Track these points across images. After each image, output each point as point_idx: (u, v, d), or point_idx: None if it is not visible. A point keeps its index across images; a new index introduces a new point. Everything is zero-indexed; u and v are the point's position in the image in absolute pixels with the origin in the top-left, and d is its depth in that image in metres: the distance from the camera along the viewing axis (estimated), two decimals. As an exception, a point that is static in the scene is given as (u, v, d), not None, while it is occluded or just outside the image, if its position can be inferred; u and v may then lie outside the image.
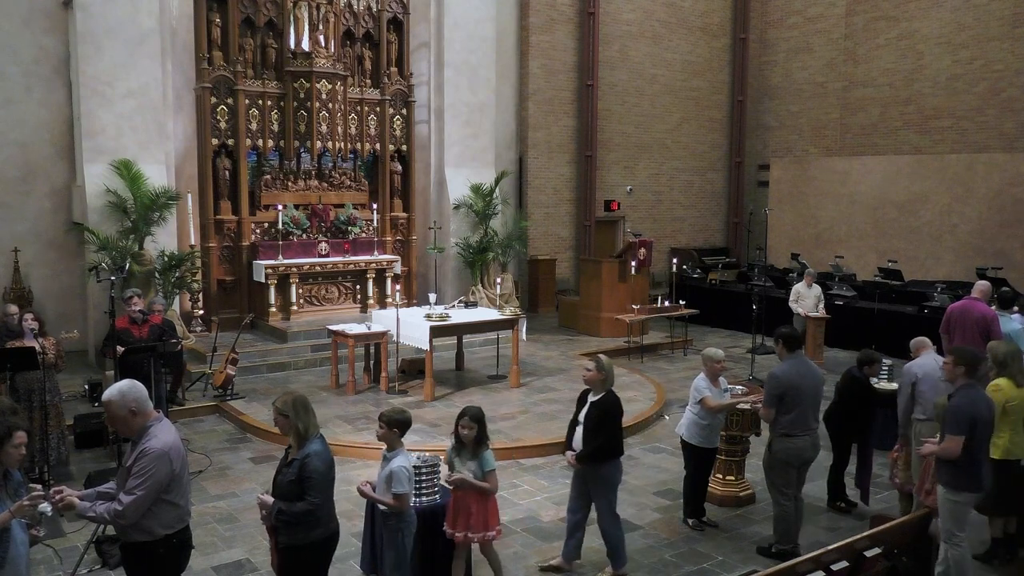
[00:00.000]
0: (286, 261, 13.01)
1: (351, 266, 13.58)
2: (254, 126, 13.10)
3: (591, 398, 5.91)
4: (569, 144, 18.39)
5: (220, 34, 12.83)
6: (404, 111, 14.59)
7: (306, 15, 13.11)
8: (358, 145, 14.10)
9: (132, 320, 8.64)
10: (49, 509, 3.79)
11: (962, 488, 5.41)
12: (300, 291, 13.16)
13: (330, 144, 13.51)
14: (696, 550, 6.50)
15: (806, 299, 12.74)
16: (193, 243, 12.56)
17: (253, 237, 13.27)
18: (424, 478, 5.50)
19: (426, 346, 10.34)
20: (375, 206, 14.21)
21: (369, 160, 14.47)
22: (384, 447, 5.17)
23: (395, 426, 5.05)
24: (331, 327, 11.13)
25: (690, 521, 6.94)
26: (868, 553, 4.79)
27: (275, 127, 13.28)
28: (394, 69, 14.41)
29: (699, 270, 18.83)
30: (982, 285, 8.77)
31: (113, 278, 8.01)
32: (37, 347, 7.57)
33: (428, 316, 10.63)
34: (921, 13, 17.63)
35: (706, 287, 17.50)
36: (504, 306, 12.39)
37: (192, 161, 12.98)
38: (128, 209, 11.56)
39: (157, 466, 3.94)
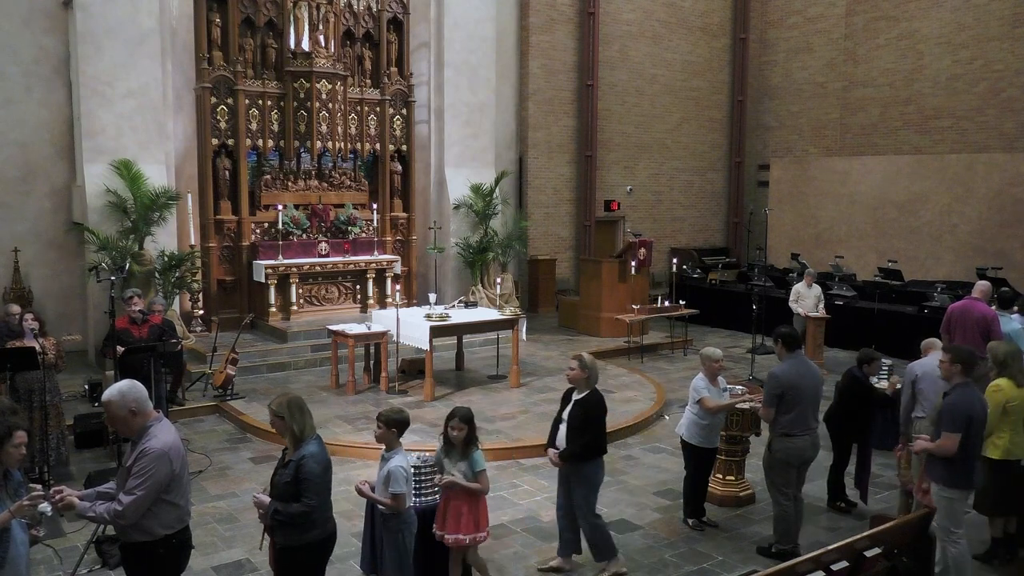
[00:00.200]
0: (286, 261, 13.01)
1: (351, 266, 13.58)
2: (254, 126, 13.11)
3: (575, 396, 5.88)
4: (569, 144, 18.39)
5: (220, 34, 12.83)
6: (404, 111, 14.59)
7: (306, 15, 13.11)
8: (358, 145, 14.11)
9: (132, 320, 8.64)
10: (49, 509, 3.79)
11: (955, 485, 5.47)
12: (300, 291, 13.17)
13: (330, 144, 13.51)
14: (696, 550, 6.50)
15: (806, 299, 12.73)
16: (193, 243, 12.56)
17: (253, 237, 13.27)
18: (424, 478, 5.50)
19: (426, 346, 10.34)
20: (375, 206, 14.21)
21: (369, 160, 14.47)
22: (383, 448, 5.16)
23: (393, 426, 5.03)
24: (331, 327, 11.13)
25: (690, 521, 6.94)
26: (868, 553, 4.78)
27: (275, 127, 13.28)
28: (394, 69, 14.41)
29: (699, 270, 18.83)
30: (982, 285, 8.78)
31: (113, 278, 8.01)
32: (37, 347, 7.57)
33: (428, 316, 10.63)
34: (921, 13, 17.63)
35: (706, 287, 17.50)
36: (504, 306, 12.40)
37: (192, 161, 12.98)
38: (128, 209, 11.56)
39: (157, 466, 3.93)
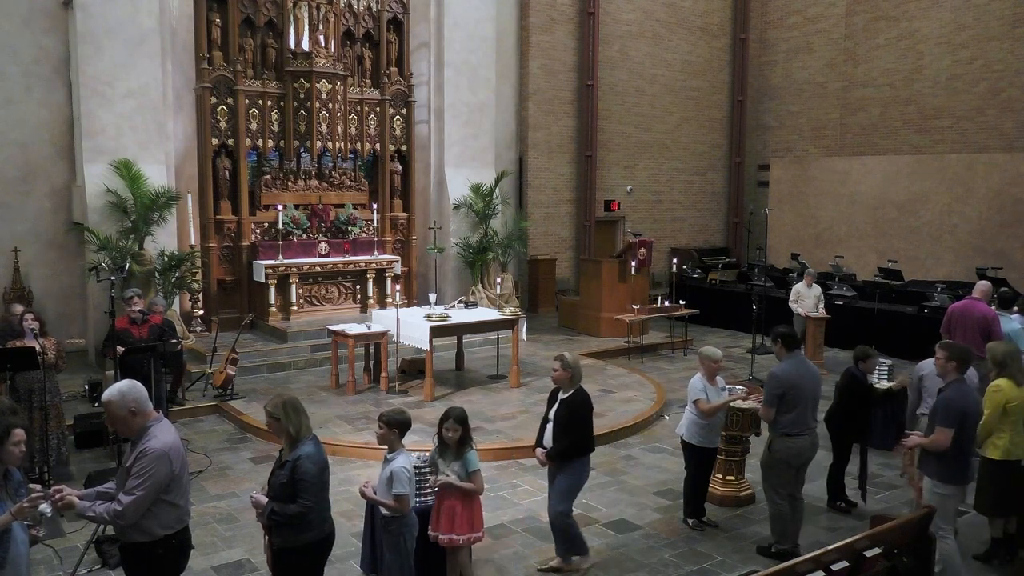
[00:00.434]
0: (286, 261, 13.01)
1: (351, 266, 13.58)
2: (254, 126, 13.10)
3: (561, 396, 5.88)
4: (569, 144, 18.39)
5: (220, 34, 12.83)
6: (404, 111, 14.59)
7: (306, 15, 13.11)
8: (358, 145, 14.10)
9: (132, 320, 8.64)
10: (49, 509, 3.79)
11: (948, 480, 5.54)
12: (300, 291, 13.16)
13: (330, 144, 13.51)
14: (696, 550, 6.50)
15: (806, 299, 12.73)
16: (193, 243, 12.56)
17: (253, 237, 13.27)
18: (423, 478, 5.49)
19: (426, 346, 10.34)
20: (375, 206, 14.21)
21: (369, 160, 14.47)
22: (385, 449, 5.15)
23: (394, 426, 5.03)
24: (331, 327, 11.13)
25: (690, 521, 6.94)
26: (868, 553, 4.78)
27: (275, 127, 13.28)
28: (394, 69, 14.41)
29: (699, 270, 18.83)
30: (983, 285, 8.78)
31: (113, 278, 8.01)
32: (37, 347, 7.57)
33: (428, 316, 10.63)
34: (921, 13, 17.63)
35: (706, 287, 17.50)
36: (504, 306, 12.40)
37: (192, 161, 12.98)
38: (128, 209, 11.56)
39: (157, 466, 3.93)
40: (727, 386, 7.14)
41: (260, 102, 13.11)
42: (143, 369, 7.86)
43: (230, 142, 12.95)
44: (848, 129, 19.24)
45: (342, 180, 14.26)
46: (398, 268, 14.18)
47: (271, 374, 11.60)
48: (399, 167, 14.72)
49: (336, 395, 10.59)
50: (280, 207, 13.17)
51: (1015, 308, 9.08)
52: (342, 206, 14.04)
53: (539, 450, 5.95)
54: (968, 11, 16.86)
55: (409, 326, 10.54)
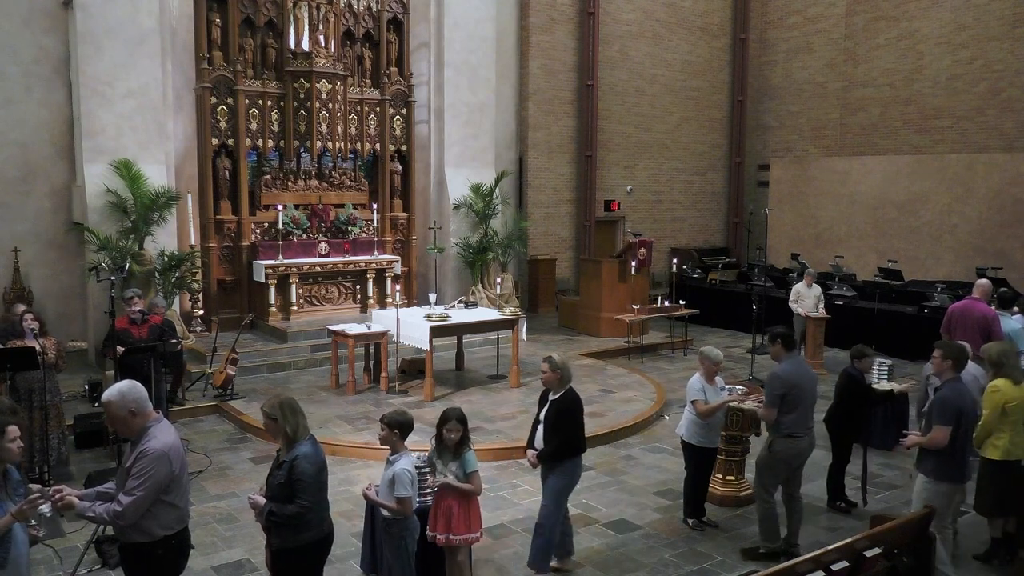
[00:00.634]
0: (286, 261, 13.01)
1: (351, 266, 13.58)
2: (254, 126, 13.10)
3: (551, 397, 5.88)
4: (569, 144, 18.39)
5: (220, 34, 12.83)
6: (404, 111, 14.59)
7: (306, 15, 13.11)
8: (358, 145, 14.10)
9: (132, 320, 8.64)
10: (49, 510, 3.79)
11: (945, 478, 5.58)
12: (300, 291, 13.16)
13: (330, 144, 13.51)
14: (696, 550, 6.50)
15: (806, 299, 12.73)
16: (193, 243, 12.56)
17: (253, 237, 13.27)
18: (423, 478, 5.49)
19: (426, 346, 10.34)
20: (375, 206, 14.21)
21: (369, 160, 14.47)
22: (388, 451, 5.14)
23: (396, 427, 5.00)
24: (331, 327, 11.13)
25: (690, 521, 6.94)
26: (868, 553, 4.78)
27: (275, 127, 13.28)
28: (394, 69, 14.41)
29: (699, 270, 18.83)
30: (982, 283, 8.77)
31: (113, 278, 8.01)
32: (37, 347, 7.57)
33: (428, 316, 10.63)
34: (921, 13, 17.63)
35: (706, 287, 17.50)
36: (504, 306, 12.40)
37: (192, 161, 12.98)
38: (128, 209, 11.56)
39: (156, 467, 3.93)
40: (726, 386, 7.14)
41: (260, 102, 13.11)
42: (143, 369, 7.86)
43: (230, 142, 12.95)
44: (848, 129, 19.24)
45: (342, 180, 14.26)
46: (398, 268, 14.18)
47: (271, 374, 11.60)
48: (399, 167, 14.72)
49: (336, 395, 10.59)
50: (280, 207, 13.17)
51: (1015, 308, 9.08)
52: (342, 206, 14.03)
53: (530, 451, 5.94)
54: (968, 11, 16.86)
55: (409, 326, 10.54)
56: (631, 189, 19.55)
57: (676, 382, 11.59)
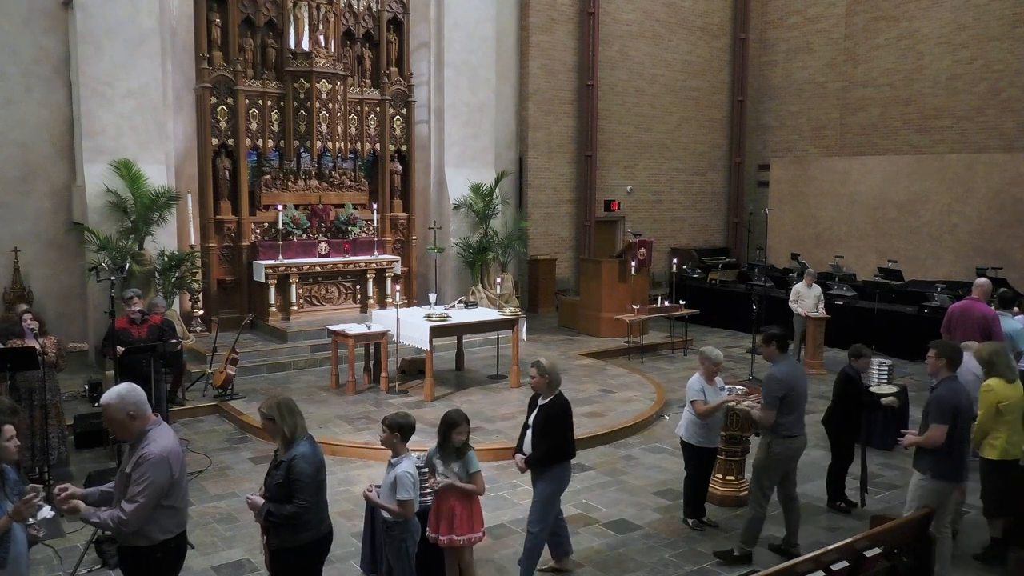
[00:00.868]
0: (286, 261, 13.01)
1: (351, 266, 13.58)
2: (254, 126, 13.11)
3: (540, 401, 5.83)
4: (569, 144, 18.39)
5: (220, 34, 12.83)
6: (404, 111, 14.59)
7: (306, 15, 13.11)
8: (358, 145, 14.10)
9: (131, 320, 8.64)
10: (50, 513, 3.79)
11: (941, 477, 5.58)
12: (300, 291, 13.17)
13: (330, 144, 13.51)
14: (696, 550, 6.50)
15: (806, 299, 12.73)
16: (193, 243, 12.56)
17: (253, 237, 13.27)
18: (423, 479, 5.49)
19: (426, 346, 10.34)
20: (375, 206, 14.21)
21: (369, 160, 14.47)
22: (390, 453, 5.13)
23: (397, 430, 4.98)
24: (331, 327, 11.13)
25: (690, 521, 6.94)
26: (868, 553, 4.79)
27: (275, 127, 13.29)
28: (394, 69, 14.41)
29: (699, 270, 18.83)
30: (982, 282, 8.77)
31: (113, 278, 8.01)
32: (37, 347, 7.57)
33: (428, 316, 10.63)
34: (921, 13, 17.63)
35: (706, 287, 17.50)
36: (504, 306, 12.40)
37: (192, 161, 12.98)
38: (128, 209, 11.56)
39: (157, 472, 3.93)
40: (726, 386, 7.14)
41: (260, 102, 13.11)
42: (143, 369, 7.86)
43: (230, 142, 12.95)
44: (848, 129, 19.24)
45: (342, 180, 14.26)
46: (398, 268, 14.18)
47: (271, 374, 11.60)
48: (399, 167, 14.72)
49: (336, 395, 10.58)
50: (280, 207, 13.17)
51: (1015, 308, 9.09)
52: (342, 206, 14.04)
53: (518, 456, 5.90)
54: (968, 11, 16.86)
55: (409, 326, 10.54)
56: (631, 189, 19.55)
57: (676, 382, 11.59)
